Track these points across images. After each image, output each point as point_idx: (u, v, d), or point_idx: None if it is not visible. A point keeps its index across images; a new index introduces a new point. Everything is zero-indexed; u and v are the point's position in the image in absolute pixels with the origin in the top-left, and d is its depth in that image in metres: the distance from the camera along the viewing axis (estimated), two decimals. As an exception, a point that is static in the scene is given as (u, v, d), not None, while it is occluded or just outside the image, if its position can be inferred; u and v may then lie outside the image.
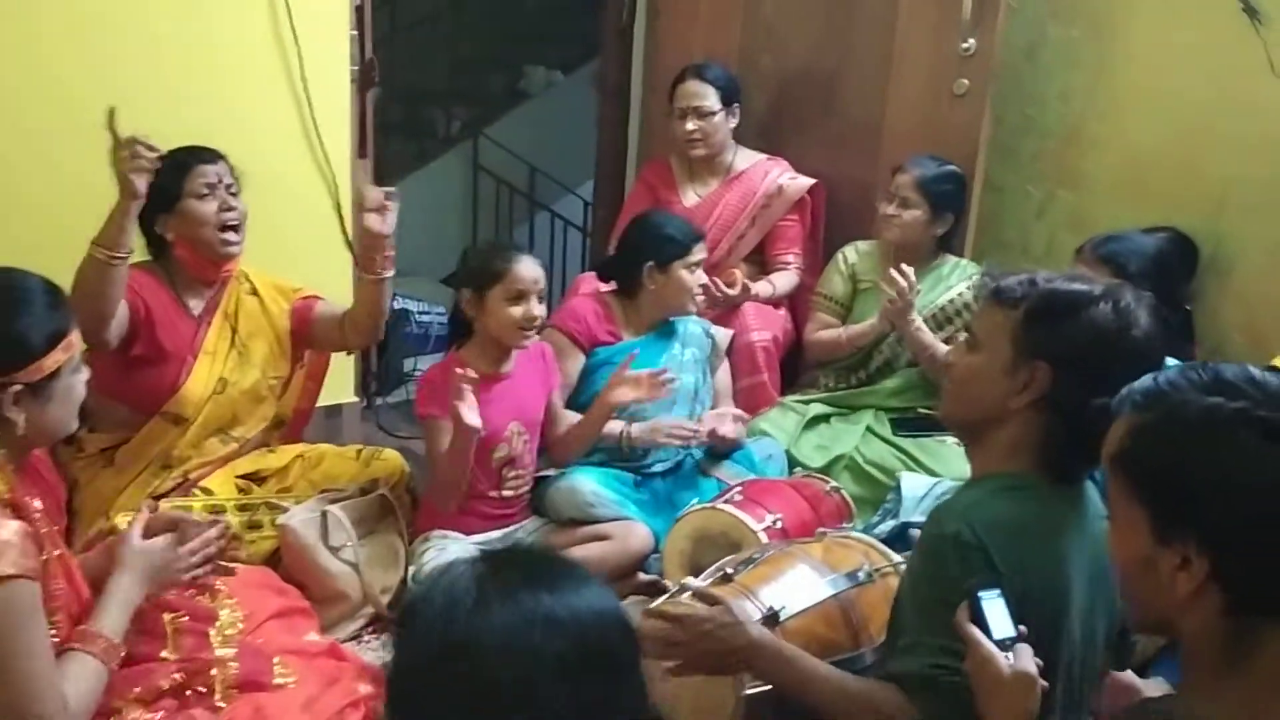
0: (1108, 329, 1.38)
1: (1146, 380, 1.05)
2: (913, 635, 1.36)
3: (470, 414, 2.16)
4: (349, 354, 3.02)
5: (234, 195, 2.30)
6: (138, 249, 2.18)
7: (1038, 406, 1.40)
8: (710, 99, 3.12)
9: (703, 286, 2.70)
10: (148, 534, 1.73)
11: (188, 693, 1.66)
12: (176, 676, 1.67)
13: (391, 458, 2.55)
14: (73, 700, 1.50)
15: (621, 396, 2.39)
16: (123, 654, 1.62)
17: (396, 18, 5.92)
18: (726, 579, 1.78)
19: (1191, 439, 0.99)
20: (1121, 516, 1.05)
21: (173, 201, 2.23)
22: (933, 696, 1.31)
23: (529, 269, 2.34)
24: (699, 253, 2.66)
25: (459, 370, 2.19)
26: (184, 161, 2.23)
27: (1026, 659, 1.19)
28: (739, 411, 2.68)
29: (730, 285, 2.97)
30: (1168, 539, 0.99)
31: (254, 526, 2.29)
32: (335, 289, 2.69)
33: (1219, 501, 0.96)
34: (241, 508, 2.31)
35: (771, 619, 1.69)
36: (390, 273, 2.37)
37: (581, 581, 0.91)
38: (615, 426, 2.52)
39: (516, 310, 2.31)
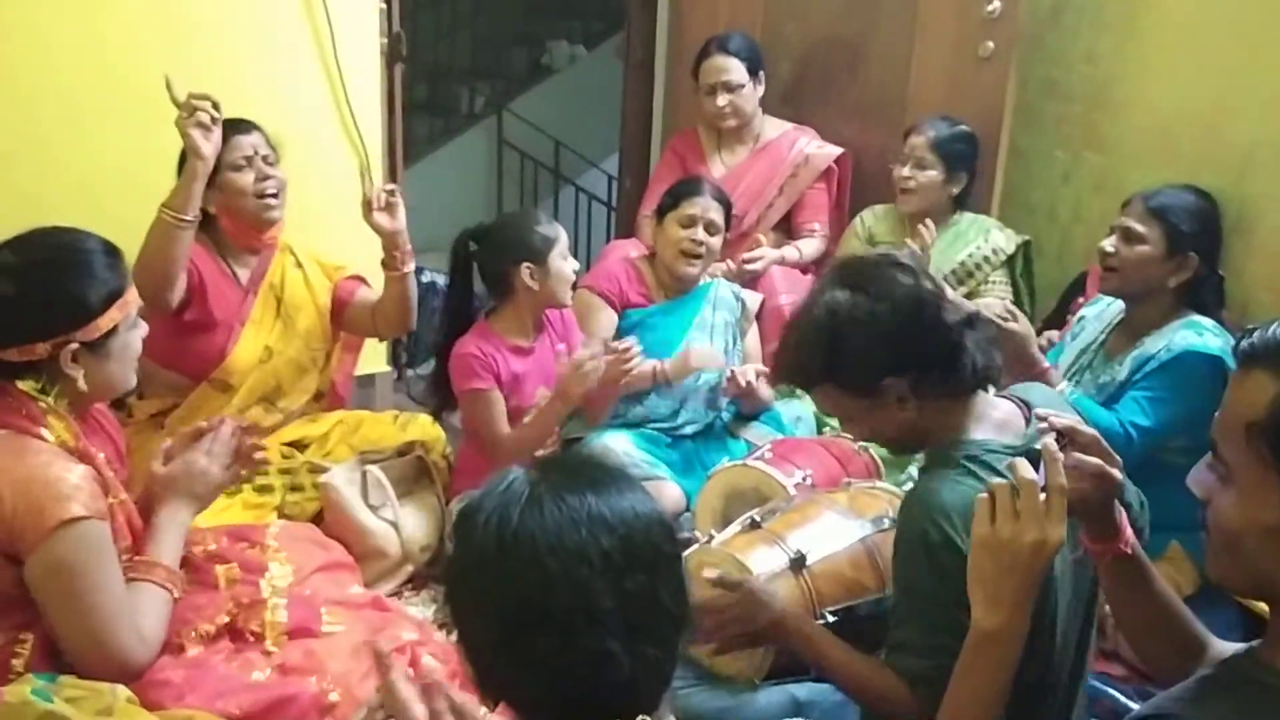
0: (876, 327, 1.42)
1: None
2: (905, 632, 1.41)
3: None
4: (380, 340, 3.06)
5: (270, 165, 2.34)
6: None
7: (907, 406, 1.47)
8: (737, 72, 3.12)
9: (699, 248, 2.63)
10: (171, 458, 1.76)
11: (248, 636, 1.72)
12: (232, 608, 1.74)
13: (426, 422, 2.61)
14: (147, 630, 1.58)
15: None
16: (183, 579, 1.68)
17: (420, -4, 6.00)
18: (755, 526, 1.83)
19: None
20: (1249, 482, 0.98)
21: (211, 175, 2.24)
22: (932, 692, 1.35)
23: (561, 229, 2.42)
24: (691, 207, 2.60)
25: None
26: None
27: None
28: (762, 367, 2.70)
29: (754, 248, 3.01)
30: None
31: (296, 489, 2.35)
32: (366, 260, 2.73)
33: None
34: (284, 470, 2.37)
35: (799, 562, 1.75)
36: (410, 268, 2.43)
37: (625, 485, 0.96)
38: (649, 366, 2.57)
39: (569, 266, 2.38)
